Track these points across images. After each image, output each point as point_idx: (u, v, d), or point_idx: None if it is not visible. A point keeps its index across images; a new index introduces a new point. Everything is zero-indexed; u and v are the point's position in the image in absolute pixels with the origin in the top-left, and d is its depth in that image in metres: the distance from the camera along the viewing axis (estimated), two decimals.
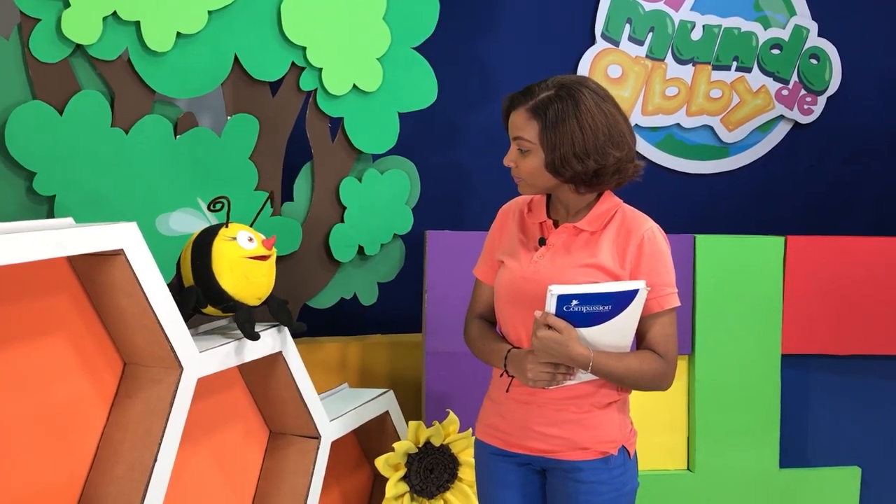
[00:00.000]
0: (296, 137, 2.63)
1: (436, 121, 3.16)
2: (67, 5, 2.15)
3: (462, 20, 3.29)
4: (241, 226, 1.92)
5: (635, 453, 1.80)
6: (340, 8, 2.55)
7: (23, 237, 1.28)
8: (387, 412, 2.33)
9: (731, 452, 2.83)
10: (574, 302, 1.59)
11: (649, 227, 1.73)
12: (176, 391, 1.58)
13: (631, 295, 1.62)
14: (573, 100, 1.66)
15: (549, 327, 1.61)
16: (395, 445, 2.24)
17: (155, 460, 1.53)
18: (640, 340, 1.76)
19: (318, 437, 2.03)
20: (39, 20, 2.14)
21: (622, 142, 1.69)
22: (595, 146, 1.65)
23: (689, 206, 3.57)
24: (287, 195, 2.65)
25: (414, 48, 2.72)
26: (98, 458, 1.57)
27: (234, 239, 1.86)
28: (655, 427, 2.84)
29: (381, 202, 2.75)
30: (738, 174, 3.61)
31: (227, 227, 1.89)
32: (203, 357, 1.67)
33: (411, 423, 2.27)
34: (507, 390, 1.78)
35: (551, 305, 1.60)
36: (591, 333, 1.64)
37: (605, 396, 1.75)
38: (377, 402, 2.28)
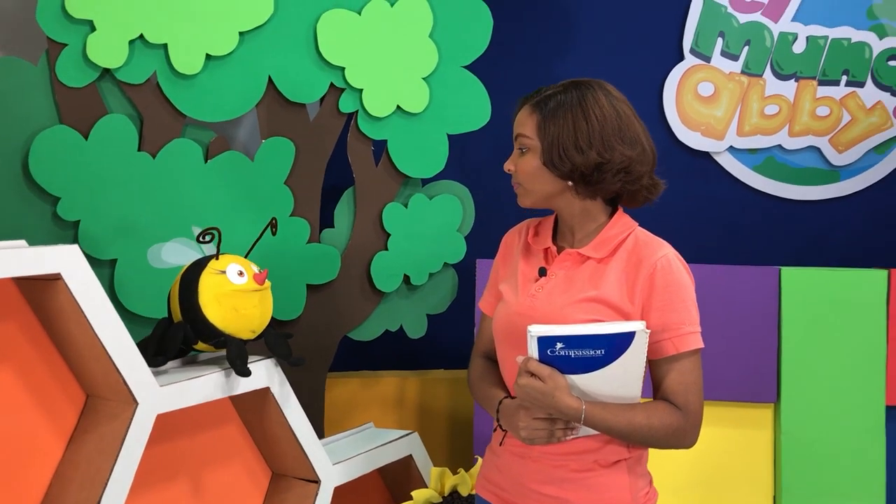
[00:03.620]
0: (339, 161, 2.52)
1: (505, 142, 2.98)
2: (94, 29, 2.13)
3: (539, 35, 3.11)
4: (233, 258, 1.80)
5: None
6: (381, 27, 2.43)
7: None
8: (410, 456, 2.14)
9: None
10: (559, 345, 1.36)
11: (663, 255, 1.47)
12: (128, 427, 1.46)
13: (627, 338, 1.36)
14: (579, 92, 1.48)
15: (533, 374, 1.39)
16: (413, 493, 2.05)
17: (98, 502, 1.42)
18: (655, 389, 1.50)
19: (317, 482, 1.87)
20: (66, 45, 2.13)
21: (635, 141, 1.47)
22: (601, 138, 1.45)
23: (792, 236, 3.21)
24: (328, 221, 2.53)
25: (466, 66, 2.56)
26: (47, 497, 1.48)
27: (224, 272, 1.75)
28: (736, 482, 2.52)
29: (429, 229, 2.59)
30: (850, 201, 3.21)
31: (217, 259, 1.78)
32: (165, 392, 1.55)
33: (434, 469, 2.08)
34: (501, 443, 1.57)
35: (533, 349, 1.38)
36: (584, 381, 1.40)
37: (611, 453, 1.49)
38: (397, 445, 2.10)
